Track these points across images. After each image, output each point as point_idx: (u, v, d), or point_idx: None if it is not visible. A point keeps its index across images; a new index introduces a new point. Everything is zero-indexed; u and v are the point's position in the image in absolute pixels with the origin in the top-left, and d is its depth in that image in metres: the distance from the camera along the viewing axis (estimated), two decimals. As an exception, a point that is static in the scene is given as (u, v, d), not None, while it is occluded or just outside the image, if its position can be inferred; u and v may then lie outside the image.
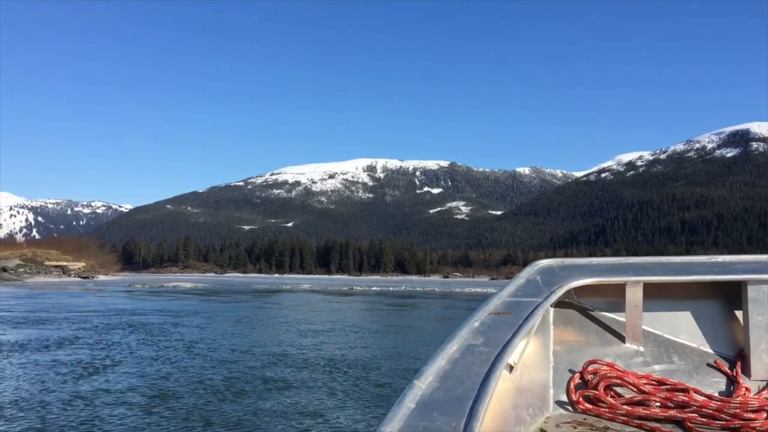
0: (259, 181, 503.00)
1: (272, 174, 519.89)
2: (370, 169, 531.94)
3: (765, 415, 1.82)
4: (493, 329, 1.81)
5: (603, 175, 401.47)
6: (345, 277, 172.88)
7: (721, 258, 2.36)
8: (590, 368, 2.04)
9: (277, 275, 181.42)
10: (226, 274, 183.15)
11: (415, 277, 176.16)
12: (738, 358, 2.20)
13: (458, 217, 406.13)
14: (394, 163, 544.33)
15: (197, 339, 14.15)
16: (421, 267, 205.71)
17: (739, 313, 2.29)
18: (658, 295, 2.30)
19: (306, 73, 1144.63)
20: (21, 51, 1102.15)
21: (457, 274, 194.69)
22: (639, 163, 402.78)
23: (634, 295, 2.22)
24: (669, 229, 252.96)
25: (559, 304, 2.28)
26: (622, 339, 2.23)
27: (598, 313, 2.33)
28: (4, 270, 71.92)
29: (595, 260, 2.42)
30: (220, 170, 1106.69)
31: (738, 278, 2.24)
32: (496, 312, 1.96)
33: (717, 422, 1.81)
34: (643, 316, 2.23)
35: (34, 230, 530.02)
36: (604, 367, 2.04)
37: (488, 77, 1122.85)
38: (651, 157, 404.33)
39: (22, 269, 76.98)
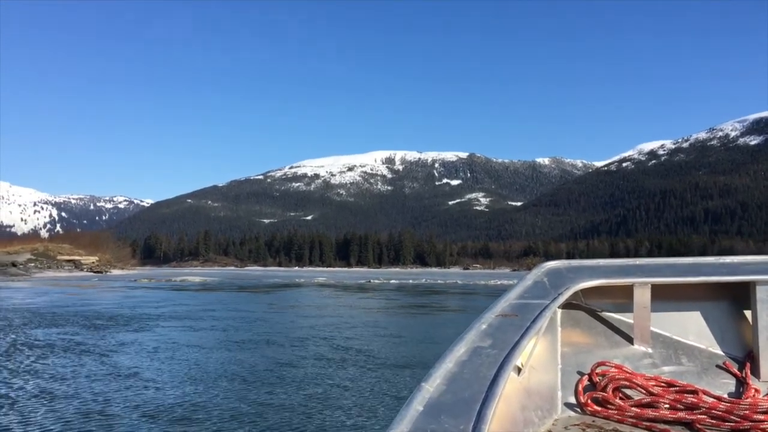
0: (279, 174, 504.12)
1: (291, 167, 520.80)
2: (389, 162, 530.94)
3: None
4: (500, 331, 1.81)
5: (624, 164, 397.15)
6: (364, 269, 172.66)
7: (729, 259, 2.36)
8: (598, 370, 2.04)
9: (297, 268, 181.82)
10: (246, 268, 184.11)
11: (435, 269, 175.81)
12: (747, 359, 2.20)
13: (477, 208, 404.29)
14: (412, 155, 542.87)
15: (76, 381, 9.08)
16: (440, 259, 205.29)
17: (748, 314, 2.28)
18: (666, 297, 2.29)
19: (325, 68, 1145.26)
20: (43, 49, 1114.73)
21: (478, 265, 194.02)
22: (661, 152, 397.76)
23: (642, 297, 2.21)
24: (692, 218, 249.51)
25: (566, 306, 2.26)
26: (630, 341, 2.23)
27: (606, 314, 2.32)
28: (13, 265, 70.92)
29: (602, 262, 2.41)
30: (239, 164, 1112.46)
31: (746, 279, 2.23)
32: (504, 314, 1.96)
33: (726, 424, 1.81)
34: (652, 317, 2.23)
35: (58, 225, 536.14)
36: (613, 369, 2.04)
37: (507, 68, 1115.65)
38: (673, 146, 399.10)
39: (32, 264, 76.19)
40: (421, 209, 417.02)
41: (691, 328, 2.29)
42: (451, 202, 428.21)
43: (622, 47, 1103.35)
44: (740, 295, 2.31)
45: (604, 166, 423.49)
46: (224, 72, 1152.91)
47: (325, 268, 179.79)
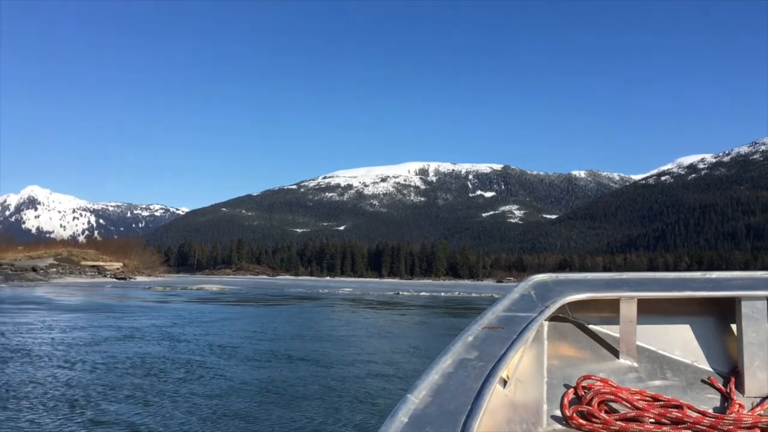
0: (312, 184, 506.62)
1: (325, 177, 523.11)
2: (423, 173, 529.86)
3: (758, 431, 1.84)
4: (486, 343, 1.80)
5: (663, 178, 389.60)
6: (395, 280, 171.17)
7: (715, 274, 2.36)
8: (584, 383, 2.04)
9: (327, 278, 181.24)
10: (278, 277, 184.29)
11: (467, 282, 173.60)
12: (732, 374, 2.20)
13: (511, 220, 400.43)
14: (446, 167, 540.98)
15: None
16: (473, 271, 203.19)
17: (733, 329, 2.28)
18: (652, 311, 2.30)
19: (359, 77, 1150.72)
20: (89, 59, 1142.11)
21: (511, 278, 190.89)
22: (701, 165, 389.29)
23: (629, 311, 2.21)
24: (733, 234, 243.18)
25: (553, 319, 2.26)
26: (616, 354, 2.22)
27: (593, 328, 2.32)
28: (34, 270, 69.15)
29: (589, 275, 2.42)
30: (273, 174, 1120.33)
31: (732, 294, 2.24)
32: (490, 326, 1.95)
33: None
34: (638, 331, 2.23)
35: (96, 232, 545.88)
36: (598, 383, 2.03)
37: (543, 80, 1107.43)
38: (714, 160, 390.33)
39: (53, 269, 74.80)
40: (455, 221, 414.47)
41: (677, 342, 2.30)
42: (484, 214, 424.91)
43: (661, 59, 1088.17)
44: (726, 311, 2.31)
45: (642, 179, 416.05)
46: (258, 82, 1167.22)
47: (356, 279, 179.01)
